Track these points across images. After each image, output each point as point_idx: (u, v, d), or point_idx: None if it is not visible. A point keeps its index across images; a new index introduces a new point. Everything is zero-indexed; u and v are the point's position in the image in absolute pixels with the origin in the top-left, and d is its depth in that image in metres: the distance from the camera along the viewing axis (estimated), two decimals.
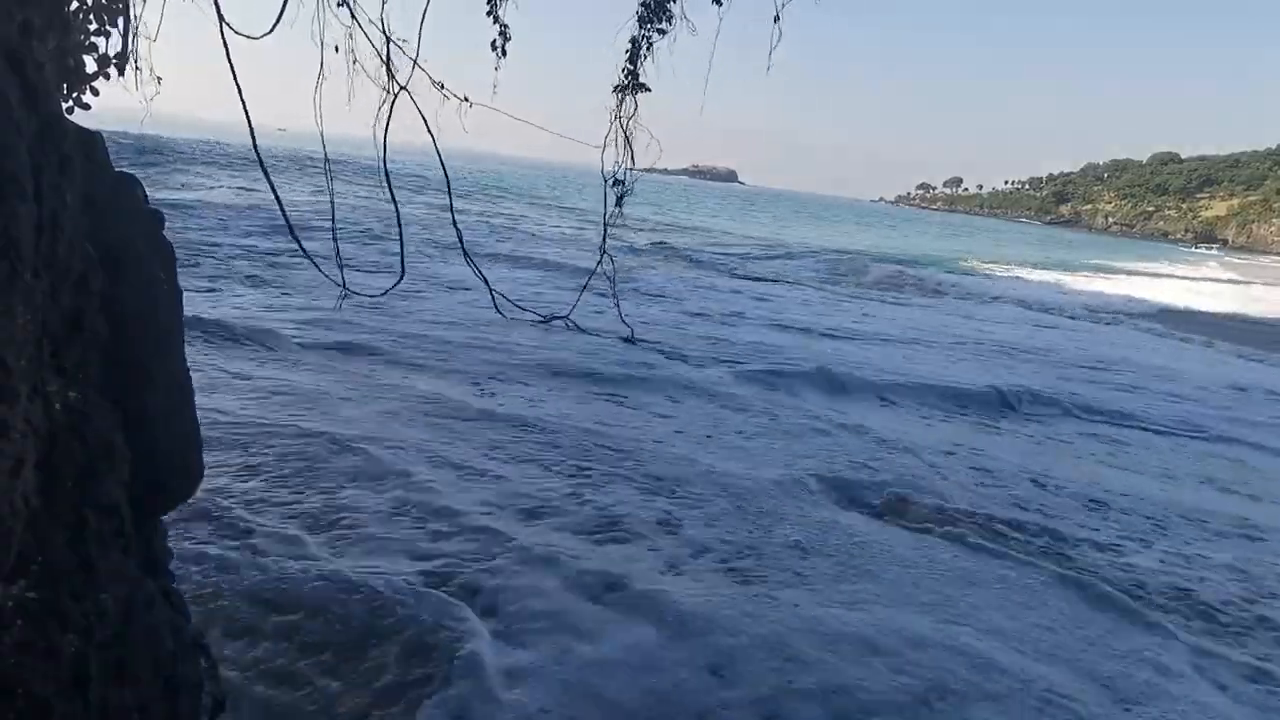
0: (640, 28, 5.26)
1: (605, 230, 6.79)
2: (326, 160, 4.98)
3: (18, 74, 1.38)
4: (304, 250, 5.15)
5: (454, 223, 6.34)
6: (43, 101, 1.50)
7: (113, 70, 3.40)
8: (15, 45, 1.42)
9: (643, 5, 5.16)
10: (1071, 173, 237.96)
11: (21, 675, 1.38)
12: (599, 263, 7.04)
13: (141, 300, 2.00)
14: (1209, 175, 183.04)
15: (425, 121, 4.93)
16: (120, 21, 3.24)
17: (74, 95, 2.92)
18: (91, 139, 2.39)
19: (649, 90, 5.50)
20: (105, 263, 2.05)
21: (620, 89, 5.48)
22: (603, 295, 9.55)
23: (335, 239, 5.29)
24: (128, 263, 2.19)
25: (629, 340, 9.14)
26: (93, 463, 1.65)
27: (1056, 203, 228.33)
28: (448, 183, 6.00)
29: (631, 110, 5.51)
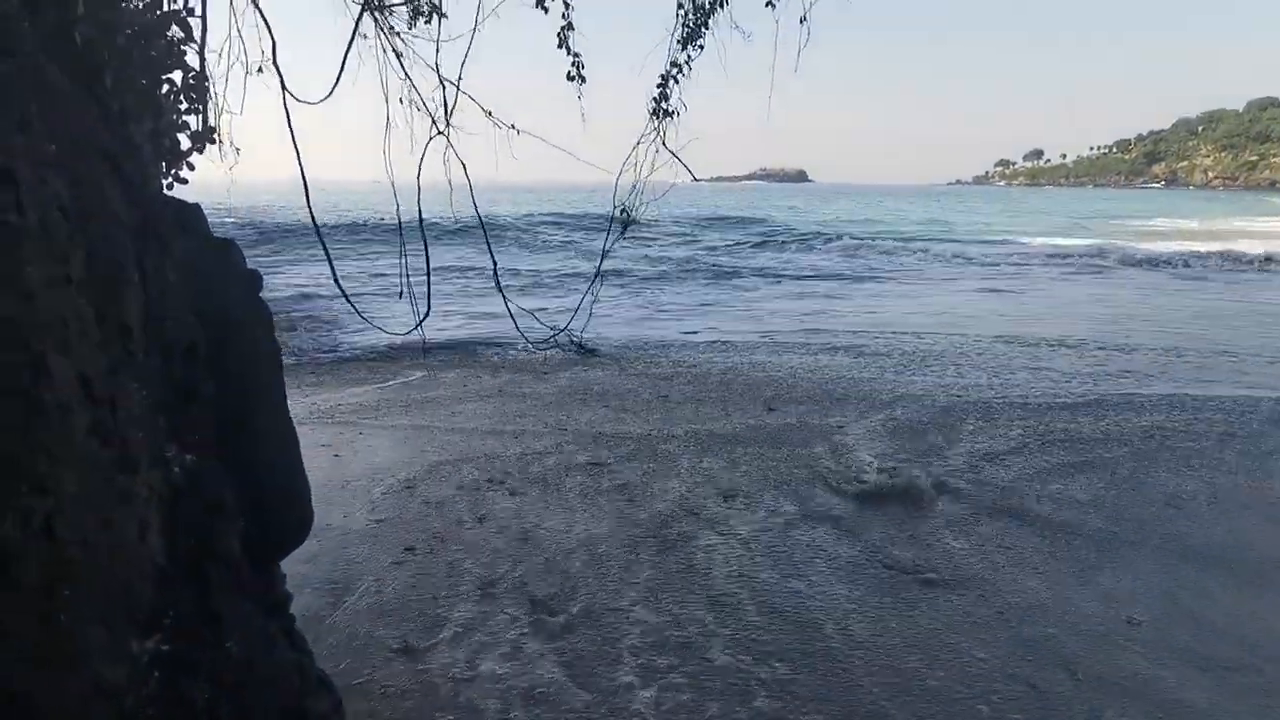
0: (682, 49, 5.24)
1: (603, 257, 6.82)
2: (398, 207, 5.19)
3: (117, 172, 1.50)
4: (353, 305, 5.38)
5: (491, 254, 6.47)
6: (141, 191, 1.62)
7: (204, 145, 3.64)
8: (114, 147, 1.54)
9: (684, 26, 5.14)
10: (1162, 130, 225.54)
11: None
12: (591, 284, 7.12)
13: (244, 362, 2.13)
14: None
15: (462, 162, 5.12)
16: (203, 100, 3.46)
17: (172, 172, 3.14)
18: (191, 211, 2.55)
19: (672, 116, 5.48)
20: (208, 328, 2.19)
21: (655, 114, 5.48)
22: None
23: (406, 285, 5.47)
24: (229, 326, 2.33)
25: (583, 349, 10.43)
26: (211, 520, 1.75)
27: (1149, 163, 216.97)
28: (480, 219, 6.14)
29: (662, 133, 5.49)
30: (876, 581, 4.49)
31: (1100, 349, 11.31)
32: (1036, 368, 10.13)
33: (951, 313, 15.34)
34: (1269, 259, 24.81)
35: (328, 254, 5.09)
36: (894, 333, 12.76)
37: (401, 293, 5.55)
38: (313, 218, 4.63)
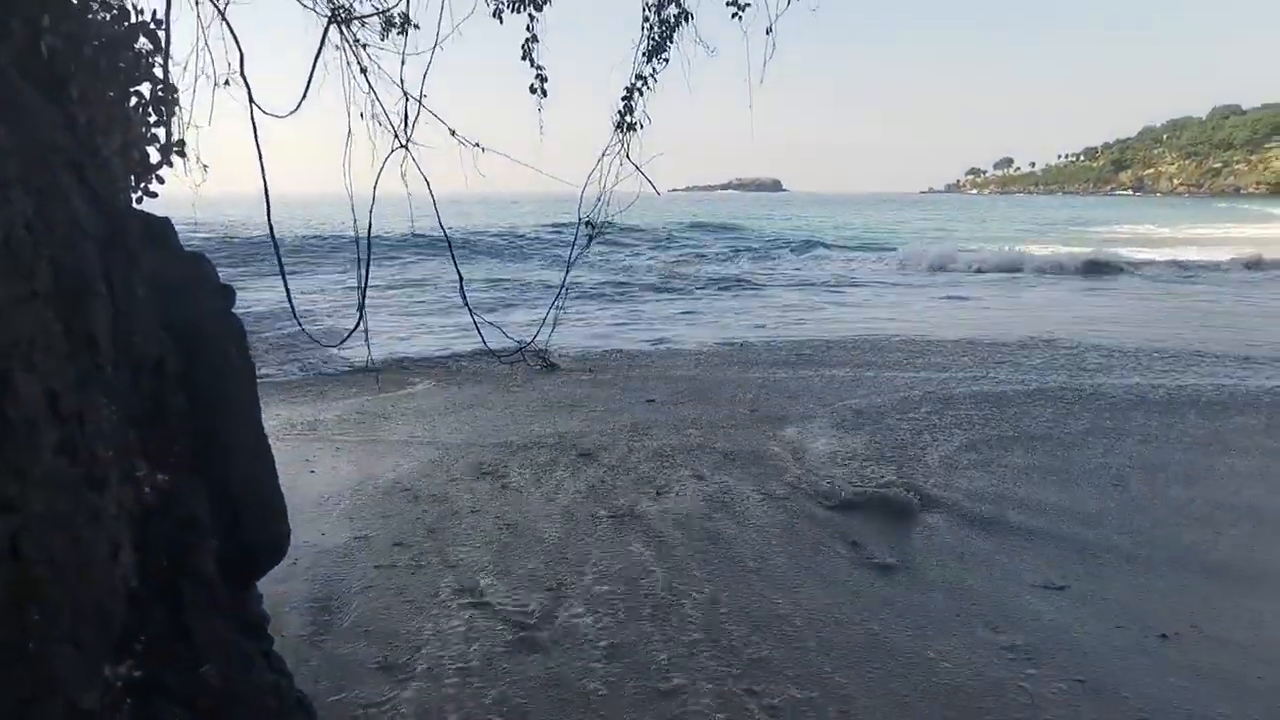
0: (647, 62, 5.24)
1: (568, 269, 6.86)
2: (355, 223, 5.15)
3: (83, 183, 1.47)
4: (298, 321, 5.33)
5: (456, 267, 6.43)
6: (109, 202, 1.59)
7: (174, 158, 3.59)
8: (80, 158, 1.50)
9: (649, 39, 5.14)
10: (1128, 138, 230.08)
11: None
12: (555, 299, 7.12)
13: (215, 376, 2.09)
14: (1277, 124, 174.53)
15: (424, 176, 5.11)
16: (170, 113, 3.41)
17: (142, 185, 3.10)
18: (160, 225, 2.51)
19: (636, 129, 5.47)
20: (179, 342, 2.15)
21: (619, 127, 5.49)
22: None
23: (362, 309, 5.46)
24: (200, 341, 2.29)
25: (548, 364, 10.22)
26: (184, 539, 1.71)
27: (1116, 171, 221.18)
28: (445, 233, 6.09)
29: (626, 146, 5.47)
30: (810, 538, 5.14)
31: (1067, 348, 11.53)
32: (996, 363, 10.48)
33: (919, 317, 15.75)
34: (1215, 265, 25.45)
35: (282, 269, 5.02)
36: (861, 336, 13.07)
37: (361, 305, 5.55)
38: (272, 234, 4.58)
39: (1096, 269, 25.19)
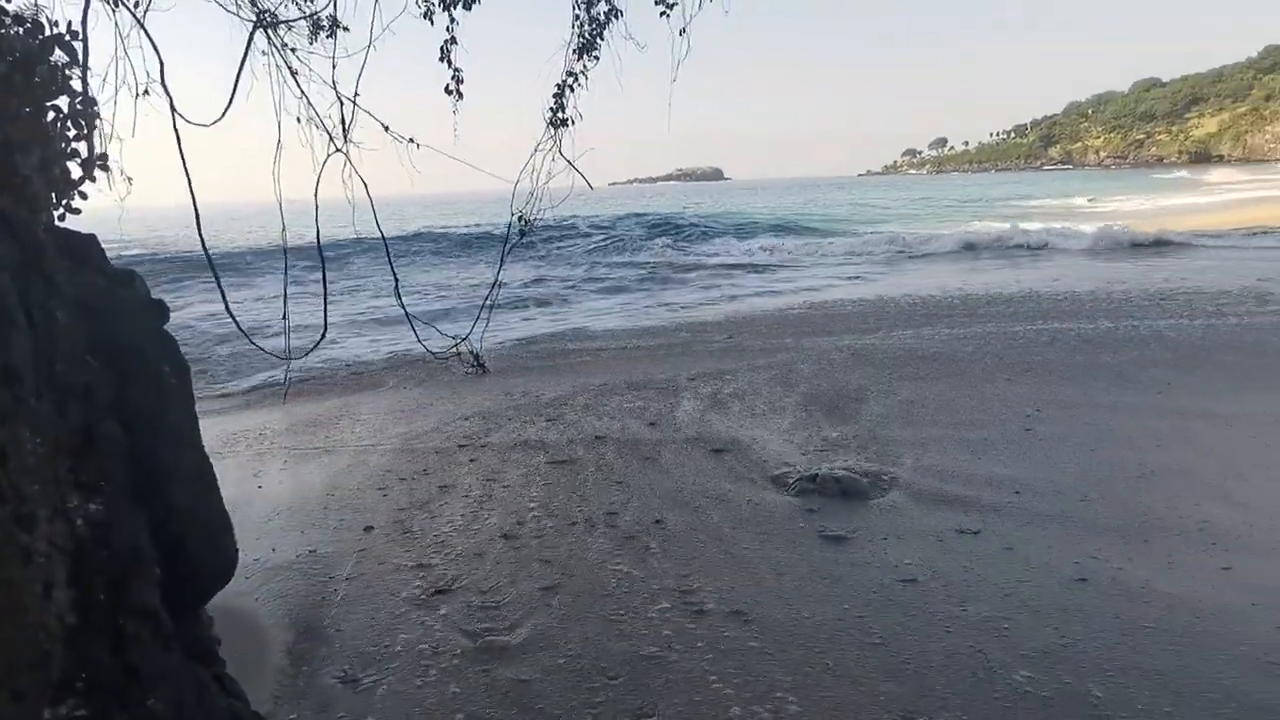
0: (578, 59, 5.26)
1: (502, 261, 6.88)
2: (284, 230, 5.07)
3: None
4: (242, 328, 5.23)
5: (393, 270, 6.39)
6: (22, 227, 1.52)
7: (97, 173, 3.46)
8: None
9: (580, 37, 5.16)
10: (1055, 114, 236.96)
11: None
12: (491, 291, 7.13)
13: (149, 398, 2.02)
14: (1195, 94, 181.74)
15: (362, 179, 5.07)
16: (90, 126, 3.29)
17: (64, 202, 2.98)
18: (84, 243, 2.42)
19: (567, 125, 5.51)
20: (108, 365, 2.08)
21: (552, 124, 5.51)
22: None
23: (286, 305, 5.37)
24: (132, 362, 2.21)
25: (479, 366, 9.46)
26: (123, 569, 1.66)
27: (1045, 146, 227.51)
28: (382, 235, 6.08)
29: (558, 141, 5.49)
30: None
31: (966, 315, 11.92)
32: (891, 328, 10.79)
33: (832, 293, 16.60)
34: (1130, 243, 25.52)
35: (217, 279, 4.92)
36: (776, 310, 13.89)
37: (285, 315, 5.50)
38: (203, 243, 4.48)
39: (989, 245, 25.73)
